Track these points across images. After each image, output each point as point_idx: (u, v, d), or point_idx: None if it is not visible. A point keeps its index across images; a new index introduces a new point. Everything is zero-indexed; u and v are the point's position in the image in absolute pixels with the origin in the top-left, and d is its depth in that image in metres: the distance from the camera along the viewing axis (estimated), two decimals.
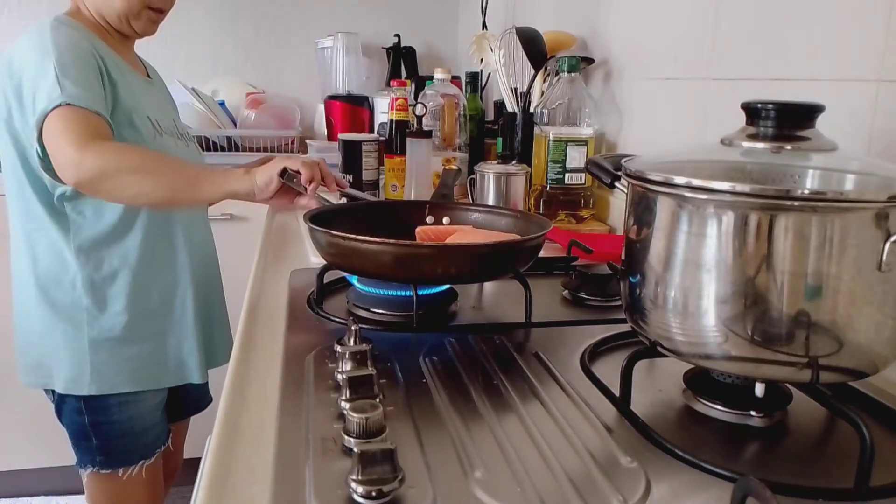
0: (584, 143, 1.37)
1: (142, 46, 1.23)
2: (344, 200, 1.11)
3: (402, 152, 1.46)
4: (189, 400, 1.38)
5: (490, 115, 2.01)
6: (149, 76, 1.24)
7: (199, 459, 1.26)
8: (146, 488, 1.21)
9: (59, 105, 0.96)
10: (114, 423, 1.15)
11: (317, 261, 1.07)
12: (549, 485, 0.51)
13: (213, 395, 1.43)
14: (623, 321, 0.72)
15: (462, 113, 1.70)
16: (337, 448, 0.54)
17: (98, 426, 1.15)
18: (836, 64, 0.83)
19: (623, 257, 0.67)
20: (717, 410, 0.63)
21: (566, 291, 0.97)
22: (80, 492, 1.25)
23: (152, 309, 1.15)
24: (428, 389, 0.66)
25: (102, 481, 1.19)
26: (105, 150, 0.97)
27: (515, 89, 1.59)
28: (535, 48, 1.47)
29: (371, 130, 2.20)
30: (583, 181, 1.39)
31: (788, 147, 0.59)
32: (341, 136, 1.56)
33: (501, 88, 1.60)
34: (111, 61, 1.09)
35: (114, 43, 1.14)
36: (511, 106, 1.58)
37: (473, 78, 1.86)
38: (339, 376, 0.62)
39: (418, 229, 0.99)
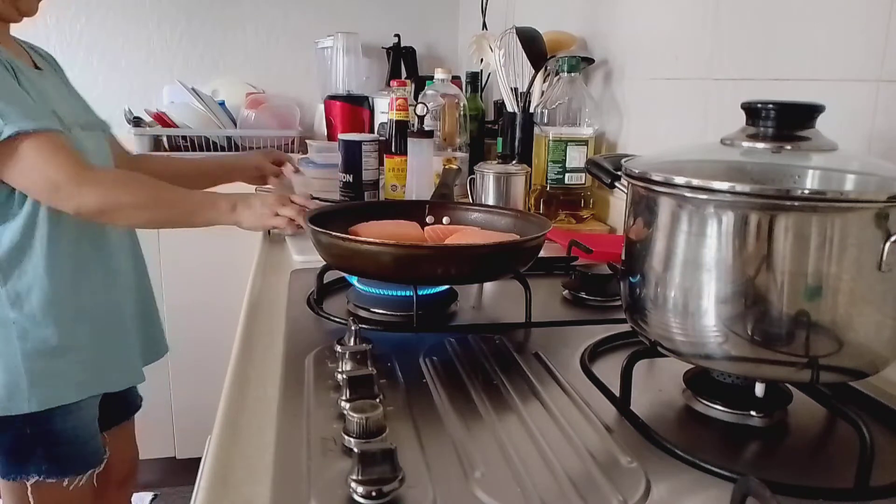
0: (584, 143, 1.37)
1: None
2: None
3: (403, 152, 1.45)
4: (121, 402, 1.31)
5: (490, 115, 2.01)
6: (37, 66, 1.14)
7: (199, 459, 1.25)
8: (87, 499, 1.15)
9: (11, 136, 0.94)
10: (59, 433, 1.09)
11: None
12: (549, 485, 0.51)
13: (213, 395, 1.40)
14: (623, 321, 0.72)
15: (462, 113, 1.70)
16: (337, 448, 0.54)
17: (41, 436, 1.09)
18: (836, 64, 0.83)
19: (623, 257, 0.67)
20: (717, 410, 0.63)
21: (566, 291, 0.97)
22: None
23: (86, 314, 1.10)
24: (428, 389, 0.66)
25: (45, 491, 1.11)
26: (101, 186, 1.01)
27: (515, 89, 1.59)
28: (535, 48, 1.47)
29: (371, 130, 2.20)
30: (583, 181, 1.39)
31: (788, 147, 0.59)
32: (341, 136, 1.55)
33: (501, 88, 1.60)
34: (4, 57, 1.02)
35: None
36: (511, 106, 1.58)
37: (473, 78, 1.86)
38: (339, 376, 0.62)
39: None
